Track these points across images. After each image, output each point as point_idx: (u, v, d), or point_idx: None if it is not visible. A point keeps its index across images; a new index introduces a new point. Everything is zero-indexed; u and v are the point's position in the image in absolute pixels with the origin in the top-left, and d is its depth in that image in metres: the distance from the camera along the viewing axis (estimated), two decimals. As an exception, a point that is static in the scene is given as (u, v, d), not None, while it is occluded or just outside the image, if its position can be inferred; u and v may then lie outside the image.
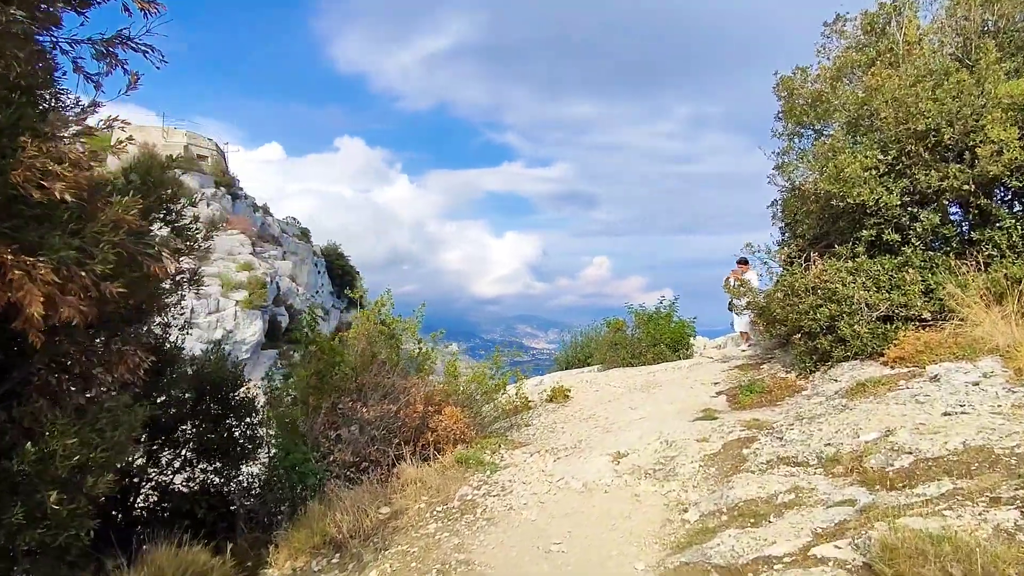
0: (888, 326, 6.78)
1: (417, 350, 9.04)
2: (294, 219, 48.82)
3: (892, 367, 6.49)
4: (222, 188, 37.12)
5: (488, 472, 6.34)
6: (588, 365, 15.26)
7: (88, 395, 4.77)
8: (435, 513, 5.42)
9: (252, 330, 32.66)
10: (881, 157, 6.81)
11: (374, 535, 5.16)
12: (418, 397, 7.20)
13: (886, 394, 5.84)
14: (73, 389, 4.61)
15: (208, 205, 34.71)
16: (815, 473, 4.73)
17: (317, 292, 46.20)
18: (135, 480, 7.63)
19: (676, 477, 5.39)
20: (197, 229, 5.37)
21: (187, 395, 8.16)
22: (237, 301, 31.70)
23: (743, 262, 11.15)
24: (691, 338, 12.47)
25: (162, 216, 5.13)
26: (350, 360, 7.69)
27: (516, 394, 9.81)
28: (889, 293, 6.79)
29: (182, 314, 6.82)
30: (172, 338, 6.66)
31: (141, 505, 7.60)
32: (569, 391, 10.36)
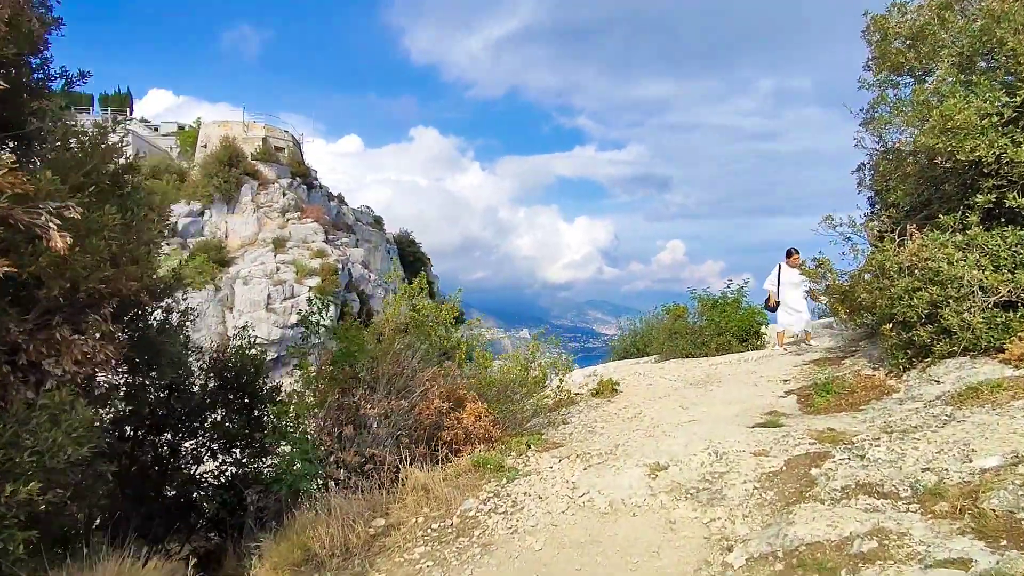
0: (1011, 315, 5.27)
1: (446, 338, 8.23)
2: (368, 208, 49.63)
3: (1017, 367, 5.01)
4: (298, 178, 37.99)
5: (504, 480, 5.42)
6: (646, 355, 14.00)
7: (46, 388, 4.27)
8: (429, 532, 4.57)
9: (327, 315, 33.21)
10: (1006, 100, 5.26)
11: (358, 554, 4.39)
12: (436, 391, 6.38)
13: (1010, 403, 4.43)
14: (22, 381, 4.11)
15: (284, 195, 35.63)
16: (908, 510, 3.49)
17: (389, 279, 47.06)
18: (155, 468, 7.31)
19: (723, 501, 4.27)
20: (146, 202, 4.72)
21: (209, 384, 7.75)
22: (310, 287, 32.32)
23: (791, 254, 9.62)
24: (762, 327, 10.97)
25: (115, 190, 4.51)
26: (370, 349, 6.97)
27: (559, 387, 8.85)
28: (1012, 273, 5.27)
29: (178, 304, 6.33)
30: (167, 326, 6.13)
31: (169, 495, 7.28)
32: (618, 385, 9.27)
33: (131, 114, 45.17)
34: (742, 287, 11.46)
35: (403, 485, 5.30)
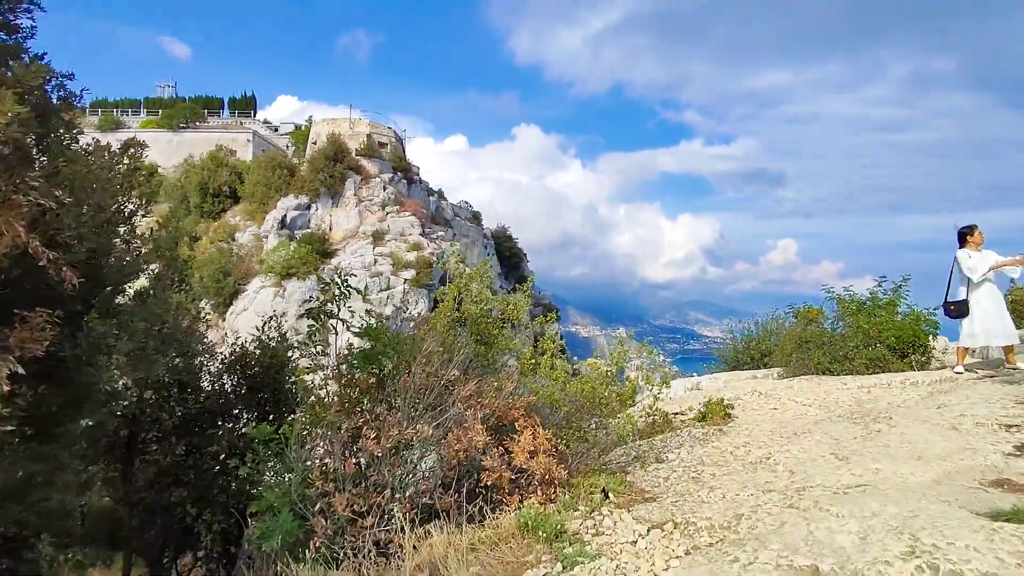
0: None
1: (508, 341, 6.37)
2: (466, 203, 49.02)
3: None
4: (399, 173, 37.81)
5: (560, 567, 3.44)
6: (764, 366, 11.33)
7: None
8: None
9: (419, 307, 32.67)
10: None
11: None
12: (477, 413, 4.51)
13: None
14: None
15: (384, 189, 35.48)
16: None
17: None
18: (161, 478, 6.03)
19: None
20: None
21: (227, 384, 6.40)
22: (406, 280, 31.81)
23: (969, 233, 6.74)
24: (930, 338, 8.09)
25: None
26: (403, 350, 5.24)
27: (653, 406, 6.70)
28: None
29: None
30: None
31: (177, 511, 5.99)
32: (731, 408, 6.93)
33: (255, 116, 47.44)
34: (900, 285, 8.61)
35: (403, 560, 3.45)
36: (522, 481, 4.44)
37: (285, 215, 33.98)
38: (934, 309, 8.36)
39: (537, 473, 4.46)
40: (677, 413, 7.99)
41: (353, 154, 35.72)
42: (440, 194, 44.79)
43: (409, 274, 32.08)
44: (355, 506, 3.73)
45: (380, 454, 3.89)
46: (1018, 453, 4.21)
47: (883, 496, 3.65)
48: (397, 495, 3.87)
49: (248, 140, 42.44)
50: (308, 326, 5.08)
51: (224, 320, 31.85)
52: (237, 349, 6.31)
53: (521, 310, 6.86)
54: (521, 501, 4.37)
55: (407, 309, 28.95)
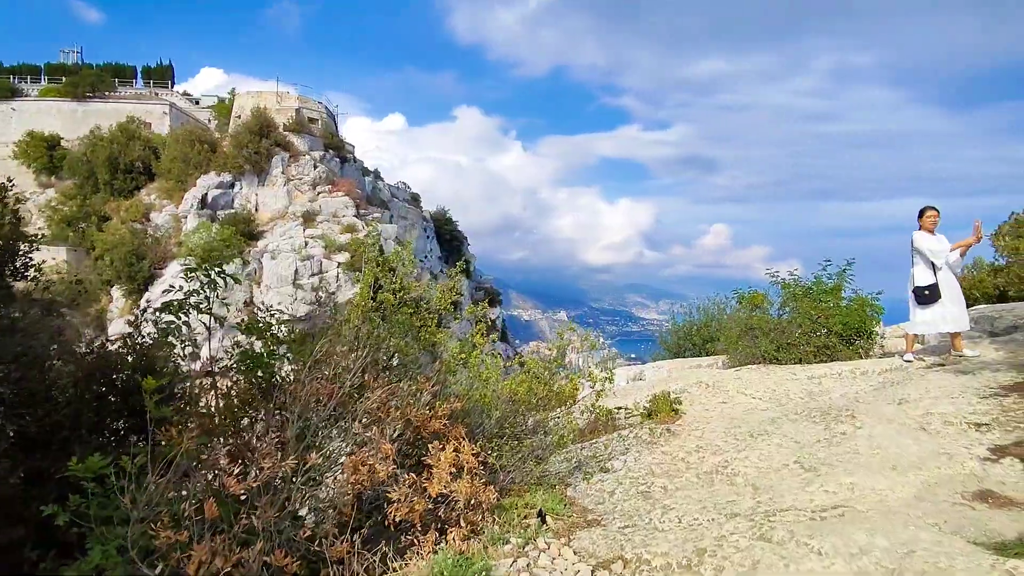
0: None
1: (432, 334, 5.50)
2: (404, 184, 47.33)
3: None
4: (331, 151, 35.77)
5: (481, 636, 2.64)
6: (707, 353, 10.98)
7: None
8: None
9: (354, 292, 31.14)
10: None
11: None
12: (380, 432, 3.63)
13: None
14: None
15: (315, 167, 33.47)
16: None
17: (426, 256, 44.67)
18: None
19: None
20: None
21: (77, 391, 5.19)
22: (339, 264, 30.17)
23: (924, 213, 6.41)
24: (876, 325, 7.80)
25: None
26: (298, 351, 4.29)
27: (595, 404, 6.00)
28: None
29: None
30: None
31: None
32: (679, 403, 6.33)
33: (173, 87, 43.81)
34: (845, 269, 8.29)
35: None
36: (442, 511, 3.61)
37: (206, 194, 31.44)
38: (877, 293, 8.10)
39: (460, 499, 3.64)
40: (621, 408, 7.37)
41: (281, 129, 33.41)
42: (376, 174, 42.97)
43: (343, 257, 30.45)
44: (214, 563, 2.80)
45: (245, 494, 2.95)
46: (993, 457, 3.74)
47: (866, 522, 3.05)
48: (271, 545, 2.95)
49: (165, 112, 39.02)
50: (166, 323, 4.01)
51: (138, 308, 29.26)
52: (95, 349, 5.11)
53: (446, 297, 5.97)
54: (441, 535, 3.55)
55: (329, 295, 27.41)
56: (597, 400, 5.99)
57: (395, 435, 3.89)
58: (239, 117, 34.40)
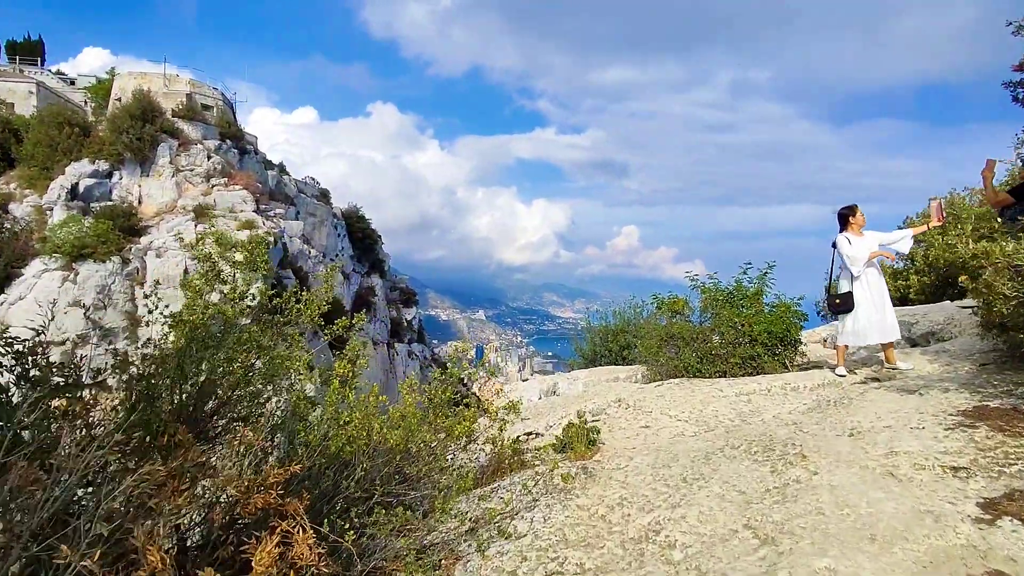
0: None
1: (283, 359, 4.11)
2: (312, 179, 44.31)
3: None
4: (228, 141, 32.54)
5: None
6: (624, 360, 10.17)
7: None
8: None
9: (251, 294, 28.38)
10: None
11: None
12: (148, 535, 2.23)
13: None
14: None
15: (209, 158, 30.27)
16: None
17: (337, 255, 42.12)
18: None
19: None
20: None
21: None
22: (235, 262, 27.25)
23: (851, 213, 5.86)
24: (799, 332, 7.19)
25: None
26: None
27: (497, 436, 4.85)
28: None
29: None
30: None
31: None
32: (596, 432, 5.29)
33: (43, 64, 38.45)
34: (766, 273, 7.66)
35: None
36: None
37: (77, 183, 27.45)
38: (799, 299, 7.53)
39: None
40: (531, 435, 6.28)
41: (169, 115, 29.88)
42: (282, 168, 39.84)
43: (240, 256, 27.57)
44: None
45: None
46: (988, 517, 2.90)
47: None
48: None
49: (31, 92, 33.93)
50: None
51: (-10, 311, 25.03)
52: None
53: (312, 308, 4.61)
54: None
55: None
56: (501, 432, 4.84)
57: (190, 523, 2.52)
58: (119, 100, 30.48)
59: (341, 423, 3.68)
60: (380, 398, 3.94)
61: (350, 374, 4.10)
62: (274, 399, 4.19)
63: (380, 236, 49.23)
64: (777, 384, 5.97)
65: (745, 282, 7.70)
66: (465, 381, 4.72)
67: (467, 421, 3.92)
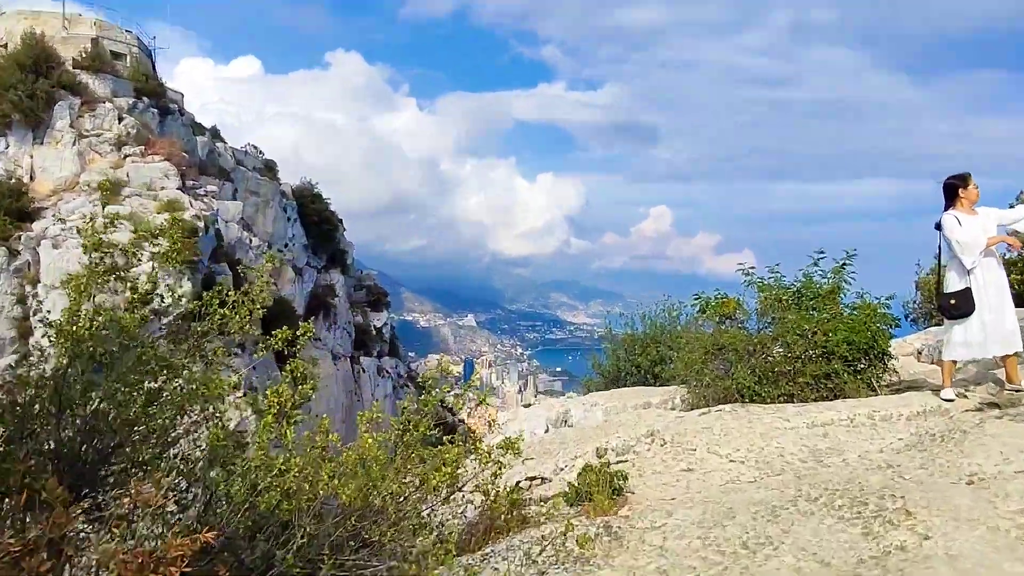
0: None
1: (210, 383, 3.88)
2: (255, 148, 44.18)
3: None
4: (147, 98, 32.30)
5: None
6: (657, 379, 9.97)
7: None
8: None
9: (176, 294, 28.21)
10: None
11: None
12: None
13: None
14: None
15: (121, 120, 30.03)
16: None
17: (286, 245, 42.03)
18: None
19: None
20: None
21: None
22: (155, 254, 27.04)
23: (964, 184, 5.63)
24: (888, 343, 7.03)
25: None
26: None
27: (492, 482, 4.63)
28: None
29: None
30: None
31: None
32: (623, 477, 5.07)
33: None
34: (844, 264, 7.53)
35: None
36: None
37: (-50, 153, 27.21)
38: (887, 298, 7.34)
39: None
40: (534, 480, 6.06)
41: (69, 66, 29.59)
42: (215, 134, 39.72)
43: (157, 247, 27.38)
44: None
45: None
46: None
47: None
48: None
49: None
50: None
51: None
52: None
53: (240, 313, 4.37)
54: None
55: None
56: (495, 479, 4.61)
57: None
58: (4, 47, 30.18)
59: (276, 471, 3.42)
60: (331, 436, 3.69)
61: (289, 404, 3.83)
62: (188, 436, 3.96)
63: (341, 221, 49.50)
64: (862, 412, 5.79)
65: (816, 276, 7.56)
66: (451, 407, 4.44)
67: (448, 466, 3.66)
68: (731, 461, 5.38)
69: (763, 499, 4.36)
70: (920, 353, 8.86)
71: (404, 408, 3.94)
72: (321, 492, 3.35)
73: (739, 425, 6.02)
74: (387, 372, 50.72)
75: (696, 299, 8.21)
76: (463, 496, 4.56)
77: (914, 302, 12.23)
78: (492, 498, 4.69)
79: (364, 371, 47.60)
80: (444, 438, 4.72)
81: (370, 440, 3.58)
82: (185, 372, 3.98)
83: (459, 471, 4.19)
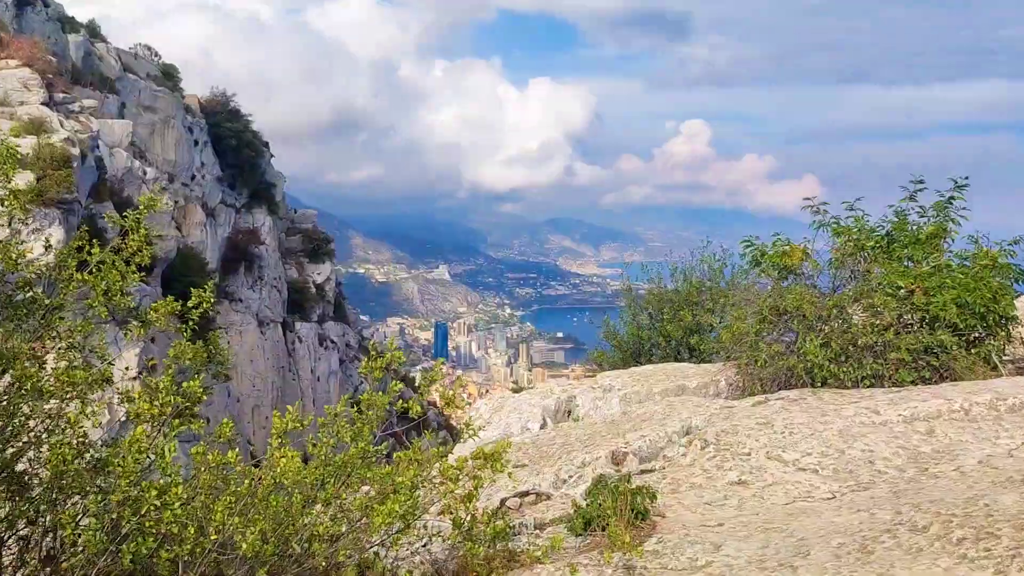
0: None
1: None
2: (148, 49, 43.75)
3: None
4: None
5: None
6: (697, 357, 9.94)
7: None
8: None
9: (47, 243, 28.03)
10: None
11: None
12: None
13: None
14: None
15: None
16: None
17: (193, 177, 41.79)
18: None
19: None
20: None
21: None
22: (12, 192, 26.66)
23: None
24: (1013, 306, 7.02)
25: None
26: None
27: (466, 508, 4.44)
28: None
29: None
30: None
31: None
32: (651, 496, 4.92)
33: None
34: (952, 198, 7.46)
35: None
36: None
37: None
38: (1011, 243, 7.22)
39: None
40: (526, 496, 5.93)
41: None
42: (94, 31, 39.15)
43: (24, 180, 26.94)
44: None
45: None
46: None
47: None
48: None
49: None
50: None
51: None
52: None
53: (107, 273, 4.07)
54: None
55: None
56: (469, 502, 4.41)
57: None
58: None
59: (149, 507, 3.11)
60: (230, 456, 3.35)
61: (167, 408, 3.48)
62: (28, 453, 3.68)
63: (268, 145, 49.49)
64: (981, 400, 5.79)
65: (913, 215, 7.51)
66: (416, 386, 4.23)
67: (401, 495, 3.37)
68: (800, 470, 5.38)
69: (847, 526, 4.24)
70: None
71: (331, 413, 3.61)
72: (213, 538, 3.05)
73: (809, 419, 6.05)
74: (331, 342, 50.66)
75: (747, 246, 8.08)
76: (427, 525, 4.35)
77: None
78: (466, 528, 4.49)
79: (301, 340, 47.60)
80: (405, 437, 4.43)
81: (287, 459, 3.26)
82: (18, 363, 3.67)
83: (417, 494, 3.94)
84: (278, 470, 3.26)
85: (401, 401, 4.52)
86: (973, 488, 4.41)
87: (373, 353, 3.86)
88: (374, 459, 3.66)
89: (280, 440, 3.43)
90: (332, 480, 3.49)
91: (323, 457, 3.50)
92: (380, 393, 3.72)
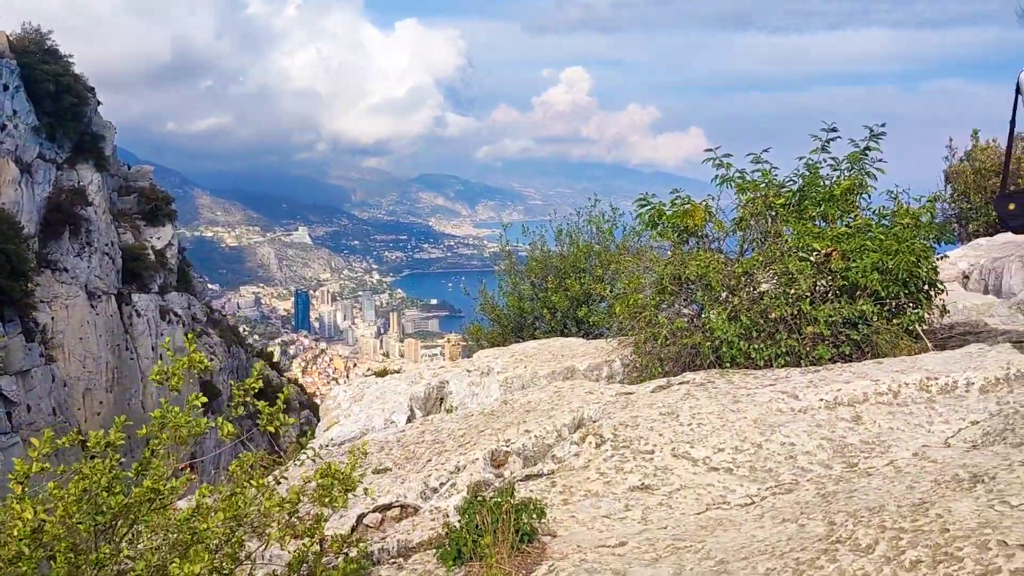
0: None
1: None
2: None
3: None
4: None
5: None
6: (586, 331, 9.85)
7: None
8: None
9: None
10: None
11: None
12: None
13: None
14: None
15: None
16: None
17: (3, 127, 39.39)
18: None
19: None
20: None
21: None
22: None
23: None
24: (935, 270, 6.97)
25: None
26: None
27: (312, 536, 3.88)
28: None
29: None
30: None
31: None
32: (538, 512, 4.49)
33: None
34: (867, 148, 7.48)
35: None
36: None
37: None
38: (929, 200, 7.14)
39: None
40: (388, 510, 5.43)
41: None
42: None
43: None
44: None
45: None
46: None
47: None
48: None
49: None
50: None
51: None
52: None
53: None
54: None
55: None
56: (314, 531, 3.83)
57: None
58: None
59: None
60: None
61: None
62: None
63: (94, 90, 47.69)
64: (911, 379, 5.64)
65: (825, 168, 7.36)
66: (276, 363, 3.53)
67: (204, 553, 2.70)
68: (712, 470, 5.08)
69: (774, 543, 3.83)
70: (967, 277, 8.85)
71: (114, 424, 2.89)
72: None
73: (720, 408, 5.80)
74: (175, 315, 49.12)
75: (643, 204, 7.71)
76: (259, 546, 3.75)
77: (946, 200, 12.54)
78: (312, 559, 3.90)
79: (139, 314, 45.97)
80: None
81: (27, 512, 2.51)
82: None
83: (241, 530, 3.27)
84: (15, 529, 2.52)
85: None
86: (915, 490, 4.08)
87: (168, 352, 3.15)
88: (170, 498, 2.96)
89: (23, 487, 2.68)
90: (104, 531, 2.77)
91: (89, 503, 2.78)
92: (177, 409, 3.01)
